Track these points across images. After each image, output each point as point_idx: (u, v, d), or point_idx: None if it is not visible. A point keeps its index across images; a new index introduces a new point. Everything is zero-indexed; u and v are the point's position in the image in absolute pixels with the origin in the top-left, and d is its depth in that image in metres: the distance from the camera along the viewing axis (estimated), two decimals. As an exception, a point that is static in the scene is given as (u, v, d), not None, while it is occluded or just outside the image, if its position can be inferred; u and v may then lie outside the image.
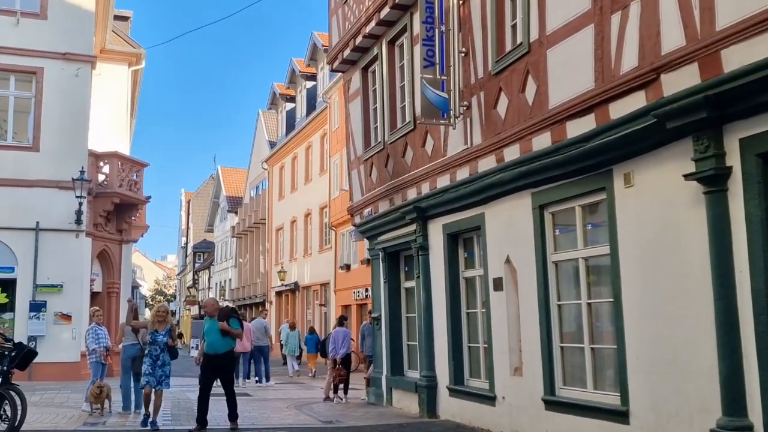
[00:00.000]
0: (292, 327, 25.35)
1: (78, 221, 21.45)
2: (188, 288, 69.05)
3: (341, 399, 15.60)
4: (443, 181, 11.70)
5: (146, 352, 11.58)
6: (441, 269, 12.23)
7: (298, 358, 25.46)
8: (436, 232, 12.45)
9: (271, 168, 44.06)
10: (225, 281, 57.15)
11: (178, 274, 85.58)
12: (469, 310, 11.86)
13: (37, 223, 21.15)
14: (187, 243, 73.12)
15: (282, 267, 39.00)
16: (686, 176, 6.93)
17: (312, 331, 26.62)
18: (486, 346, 10.94)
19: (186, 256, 74.54)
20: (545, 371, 9.33)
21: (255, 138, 50.31)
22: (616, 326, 8.13)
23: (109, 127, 31.03)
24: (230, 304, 34.70)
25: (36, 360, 20.32)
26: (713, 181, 6.71)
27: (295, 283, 37.80)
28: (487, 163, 10.37)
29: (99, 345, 13.92)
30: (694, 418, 7.01)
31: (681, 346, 7.21)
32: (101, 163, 23.14)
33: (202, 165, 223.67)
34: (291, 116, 41.49)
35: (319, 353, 21.30)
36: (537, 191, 9.55)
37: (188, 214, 71.38)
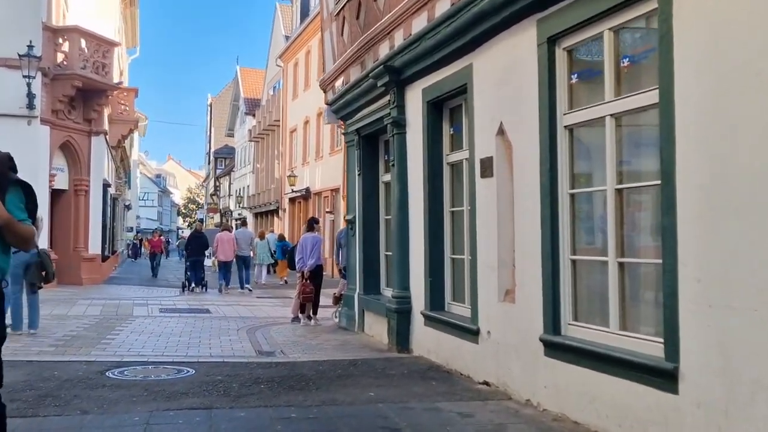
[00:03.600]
0: (261, 236, 24.39)
1: (30, 106, 18.37)
2: (211, 195, 66.64)
3: (309, 321, 12.55)
4: (420, 23, 8.17)
5: None
6: (419, 152, 8.85)
7: (271, 266, 25.31)
8: (414, 101, 9.01)
9: (286, 65, 40.36)
10: (243, 188, 54.38)
11: (204, 182, 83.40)
12: (454, 209, 8.51)
13: (-20, 106, 18.17)
14: (210, 149, 70.35)
15: (293, 172, 35.83)
16: None
17: (281, 238, 25.68)
18: (471, 258, 7.63)
19: (209, 162, 71.96)
20: (547, 297, 6.01)
21: (272, 34, 46.46)
22: (663, 226, 4.73)
23: (97, 10, 27.88)
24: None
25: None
26: None
27: (307, 189, 34.67)
28: (474, -18, 6.82)
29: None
30: (805, 396, 3.67)
31: (787, 262, 3.82)
32: (60, 40, 19.79)
33: (228, 68, 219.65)
34: (305, 5, 37.53)
35: (287, 263, 18.41)
36: (545, 15, 6.01)
37: (210, 119, 68.35)
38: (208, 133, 71.12)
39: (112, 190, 28.93)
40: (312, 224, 13.03)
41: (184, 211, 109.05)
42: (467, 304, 7.82)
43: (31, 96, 18.22)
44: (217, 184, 65.26)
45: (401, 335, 9.18)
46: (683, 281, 4.53)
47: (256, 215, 48.10)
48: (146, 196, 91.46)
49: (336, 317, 12.55)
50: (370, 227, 11.17)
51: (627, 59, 5.36)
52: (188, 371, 7.82)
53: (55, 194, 20.45)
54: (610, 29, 5.37)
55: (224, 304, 16.50)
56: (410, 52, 8.47)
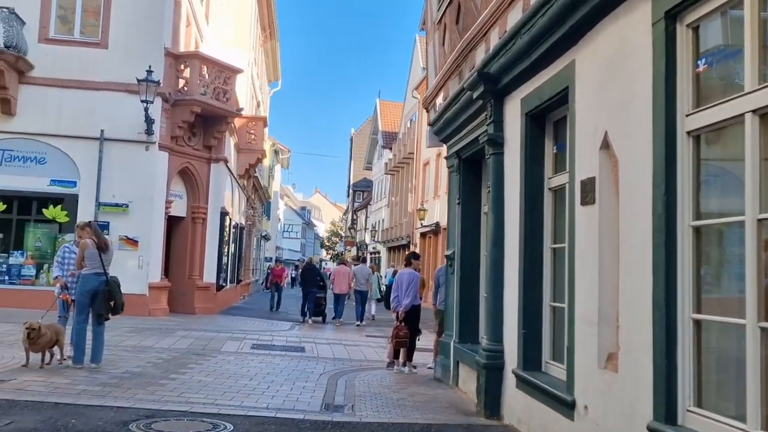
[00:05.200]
0: (372, 271, 24.43)
1: (148, 131, 18.23)
2: (348, 228, 66.72)
3: (403, 368, 11.11)
4: (515, 16, 6.70)
5: None
6: (517, 175, 7.30)
7: (379, 301, 24.69)
8: (512, 115, 7.49)
9: (421, 96, 39.52)
10: (379, 221, 53.86)
11: (344, 215, 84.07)
12: (556, 245, 6.87)
13: (102, 131, 18.21)
14: (349, 182, 70.75)
15: (423, 205, 34.70)
16: None
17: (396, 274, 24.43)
18: (569, 308, 5.98)
19: (348, 196, 72.37)
20: (658, 369, 4.31)
21: (411, 66, 45.90)
22: (832, 277, 3.00)
23: (232, 41, 28.31)
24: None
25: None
26: None
27: (437, 224, 33.38)
28: (573, -48, 5.29)
29: (63, 273, 10.36)
30: None
31: None
32: (181, 66, 19.65)
33: (372, 102, 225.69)
34: (442, 35, 36.63)
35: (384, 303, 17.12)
36: (662, -18, 4.41)
37: (351, 153, 68.80)
38: (349, 166, 71.69)
39: (240, 220, 28.81)
40: (410, 259, 11.64)
41: (327, 243, 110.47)
42: (565, 366, 6.15)
43: (149, 121, 18.08)
44: (355, 217, 65.32)
45: (490, 397, 7.57)
46: None
47: (389, 249, 47.33)
48: (290, 227, 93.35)
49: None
50: (469, 265, 9.66)
51: (778, 28, 3.67)
52: (225, 427, 6.60)
53: (172, 221, 20.22)
54: (753, -12, 3.71)
55: (324, 342, 15.34)
56: (506, 54, 6.99)
